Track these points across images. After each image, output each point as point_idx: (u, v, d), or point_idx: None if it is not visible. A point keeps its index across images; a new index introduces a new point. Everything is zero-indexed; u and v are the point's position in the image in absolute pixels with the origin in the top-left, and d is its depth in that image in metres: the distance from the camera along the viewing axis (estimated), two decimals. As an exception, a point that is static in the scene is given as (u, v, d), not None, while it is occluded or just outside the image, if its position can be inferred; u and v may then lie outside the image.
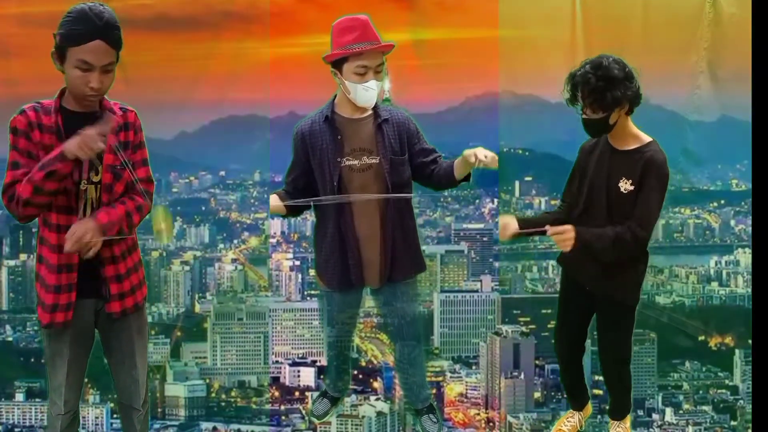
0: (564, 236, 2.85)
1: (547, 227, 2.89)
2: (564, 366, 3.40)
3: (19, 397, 16.91)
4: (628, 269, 3.01)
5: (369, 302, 3.33)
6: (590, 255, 2.94)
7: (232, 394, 17.37)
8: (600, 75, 2.82)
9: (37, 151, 2.56)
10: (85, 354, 2.76)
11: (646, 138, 2.98)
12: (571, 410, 3.51)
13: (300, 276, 18.48)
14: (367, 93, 2.89)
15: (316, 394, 3.86)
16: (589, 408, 3.54)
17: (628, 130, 2.94)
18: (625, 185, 2.90)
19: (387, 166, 2.96)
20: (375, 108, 2.98)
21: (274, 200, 3.05)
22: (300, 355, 17.63)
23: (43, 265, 2.64)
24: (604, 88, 2.81)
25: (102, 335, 2.80)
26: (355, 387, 14.55)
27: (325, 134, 2.96)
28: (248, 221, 19.11)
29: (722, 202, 15.37)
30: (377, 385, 16.12)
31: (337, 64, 2.91)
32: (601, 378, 3.41)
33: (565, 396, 3.71)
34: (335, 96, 3.01)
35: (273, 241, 18.85)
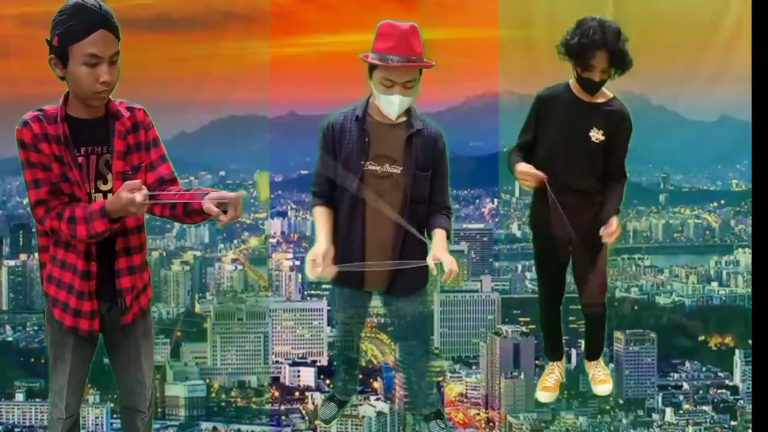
0: (617, 232, 3.02)
1: (602, 232, 3.02)
2: (546, 315, 3.52)
3: (19, 397, 16.90)
4: (593, 206, 3.17)
5: (372, 302, 3.31)
6: (558, 210, 3.10)
7: (232, 394, 17.36)
8: (621, 41, 2.98)
9: (50, 162, 2.48)
10: (88, 358, 2.72)
11: (608, 92, 3.15)
12: (550, 364, 3.64)
13: (300, 276, 18.46)
14: (388, 105, 2.82)
15: (318, 395, 3.84)
16: (564, 359, 3.72)
17: None
18: (597, 135, 3.08)
19: (409, 179, 2.90)
20: (410, 116, 2.93)
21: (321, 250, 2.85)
22: (300, 355, 17.62)
23: (66, 270, 2.58)
24: (625, 53, 2.98)
25: (106, 338, 2.77)
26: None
27: (354, 134, 2.91)
28: (248, 221, 19.11)
29: (722, 202, 15.38)
30: (377, 385, 16.11)
31: (371, 67, 2.87)
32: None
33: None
34: (370, 95, 2.97)
35: (273, 241, 18.84)
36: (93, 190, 2.52)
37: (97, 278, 2.58)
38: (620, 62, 3.00)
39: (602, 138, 3.09)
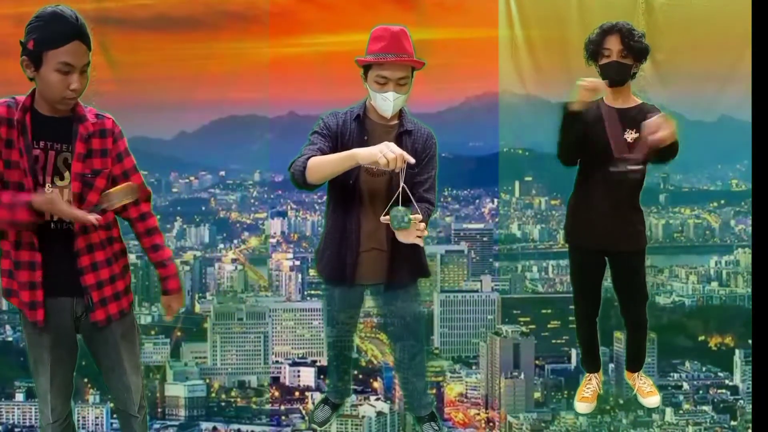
0: (670, 124, 3.03)
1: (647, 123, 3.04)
2: (586, 327, 3.61)
3: (19, 397, 16.88)
4: (630, 221, 3.32)
5: (369, 302, 3.32)
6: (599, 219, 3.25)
7: (232, 394, 17.36)
8: (633, 28, 3.27)
9: (1, 147, 2.56)
10: (68, 357, 2.72)
11: (637, 98, 3.40)
12: (587, 375, 3.66)
13: (300, 276, 18.45)
14: (384, 103, 2.90)
15: (317, 398, 3.85)
16: (601, 373, 3.73)
17: (630, 89, 3.36)
18: (631, 135, 3.25)
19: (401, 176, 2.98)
20: (401, 117, 3.00)
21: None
22: (300, 355, 17.62)
23: (12, 261, 2.61)
24: (638, 34, 3.25)
25: (87, 343, 2.77)
26: (355, 387, 14.56)
27: (354, 132, 2.98)
28: (248, 221, 19.09)
29: (722, 202, 15.37)
30: (377, 385, 16.11)
31: (366, 69, 2.95)
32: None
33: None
34: (367, 98, 3.03)
35: (273, 241, 18.83)
36: (49, 183, 2.57)
37: (65, 278, 2.61)
38: (633, 41, 3.22)
39: (636, 135, 3.23)
